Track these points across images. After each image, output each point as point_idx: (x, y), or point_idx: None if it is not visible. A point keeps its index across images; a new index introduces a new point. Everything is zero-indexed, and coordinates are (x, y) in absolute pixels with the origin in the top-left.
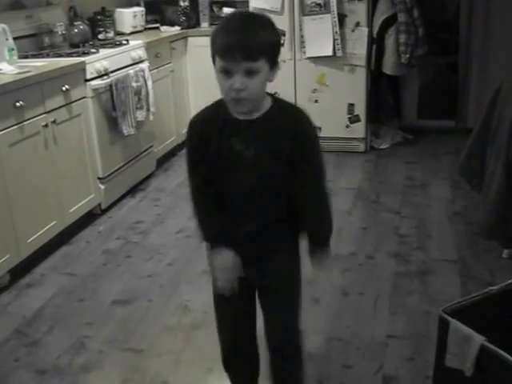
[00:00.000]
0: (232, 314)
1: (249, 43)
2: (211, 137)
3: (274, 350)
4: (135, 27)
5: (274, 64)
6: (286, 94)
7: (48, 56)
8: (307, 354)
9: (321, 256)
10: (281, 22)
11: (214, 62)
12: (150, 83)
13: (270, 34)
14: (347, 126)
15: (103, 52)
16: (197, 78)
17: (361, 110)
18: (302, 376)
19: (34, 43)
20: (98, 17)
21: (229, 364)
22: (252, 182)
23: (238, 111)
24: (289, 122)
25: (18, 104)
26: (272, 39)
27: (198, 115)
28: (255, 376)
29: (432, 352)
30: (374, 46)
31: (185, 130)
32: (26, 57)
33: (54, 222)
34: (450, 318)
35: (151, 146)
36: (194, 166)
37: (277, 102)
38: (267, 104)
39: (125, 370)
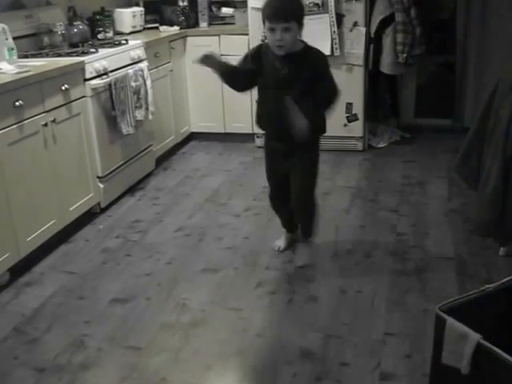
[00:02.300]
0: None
1: (284, 11)
2: (263, 57)
3: (295, 203)
4: (134, 27)
5: (300, 25)
6: None
7: (47, 56)
8: (305, 351)
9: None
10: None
11: (264, 24)
12: (149, 83)
13: (297, 5)
14: (345, 125)
15: (102, 52)
16: (196, 78)
17: (359, 108)
18: (314, 221)
19: (33, 43)
20: (98, 17)
21: (272, 198)
22: (288, 90)
23: (277, 53)
24: (310, 56)
25: (17, 103)
26: (298, 8)
27: (259, 46)
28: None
29: (429, 349)
30: (372, 46)
31: (184, 129)
32: (25, 56)
33: (53, 221)
34: (446, 316)
35: (150, 145)
36: (244, 60)
37: (306, 46)
38: (299, 47)
39: (123, 368)
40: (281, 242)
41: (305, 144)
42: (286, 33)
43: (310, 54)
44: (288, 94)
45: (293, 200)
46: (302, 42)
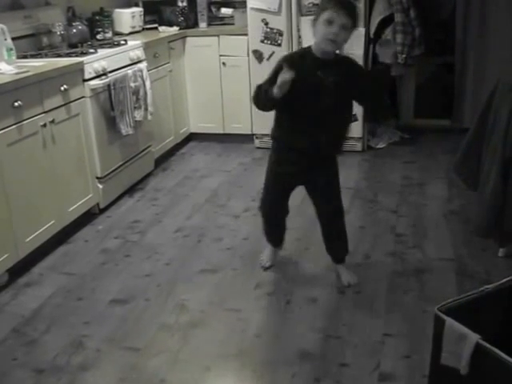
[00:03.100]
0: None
1: (350, 8)
2: (302, 66)
3: (327, 223)
4: (133, 27)
5: (352, 30)
6: None
7: (46, 56)
8: (304, 352)
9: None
10: (278, 23)
11: (315, 20)
12: (148, 83)
13: (357, 10)
14: None
15: (101, 52)
16: (195, 78)
17: (358, 109)
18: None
19: (32, 43)
20: (97, 17)
21: (272, 209)
22: (330, 101)
23: (328, 47)
24: (348, 63)
25: (16, 104)
26: (358, 14)
27: (292, 54)
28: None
29: (428, 350)
30: (371, 46)
31: (183, 130)
32: (24, 57)
33: (52, 222)
34: (445, 317)
35: (149, 146)
36: (270, 80)
37: (338, 54)
38: (334, 55)
39: (122, 369)
40: (267, 258)
41: (330, 156)
42: (343, 30)
43: (345, 60)
44: (336, 105)
45: (323, 221)
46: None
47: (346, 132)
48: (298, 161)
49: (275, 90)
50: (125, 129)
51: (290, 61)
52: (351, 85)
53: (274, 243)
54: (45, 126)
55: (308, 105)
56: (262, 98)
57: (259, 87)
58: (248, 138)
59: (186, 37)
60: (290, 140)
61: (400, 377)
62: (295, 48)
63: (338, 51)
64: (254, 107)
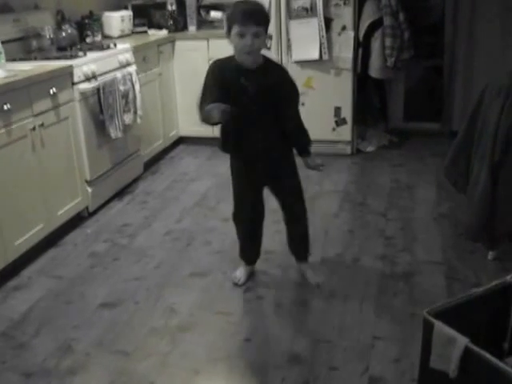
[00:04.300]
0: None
1: (255, 15)
2: (227, 75)
3: (289, 217)
4: (123, 31)
5: (266, 33)
6: None
7: (36, 59)
8: (293, 356)
9: (307, 156)
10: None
11: (229, 32)
12: (137, 86)
13: (265, 12)
14: (334, 129)
15: (91, 55)
16: (184, 82)
17: (347, 112)
18: (309, 238)
19: (21, 47)
20: (86, 20)
21: (247, 221)
22: (253, 107)
23: (247, 61)
24: (275, 70)
25: (5, 107)
26: (266, 15)
27: (218, 62)
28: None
29: (418, 353)
30: (360, 50)
31: (172, 133)
32: (13, 60)
33: (41, 225)
34: (434, 320)
35: (139, 149)
36: (209, 92)
37: (266, 59)
38: (262, 60)
39: (112, 373)
40: (241, 275)
41: (277, 157)
42: (256, 38)
43: (273, 67)
44: (263, 111)
45: (287, 215)
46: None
47: (280, 132)
48: (252, 168)
49: (217, 116)
50: (114, 132)
51: (217, 69)
52: (274, 95)
53: (249, 260)
54: (34, 129)
55: (243, 112)
56: (204, 118)
57: (200, 105)
58: None
59: (175, 40)
60: (235, 150)
61: (389, 380)
62: (283, 51)
63: (267, 58)
64: None
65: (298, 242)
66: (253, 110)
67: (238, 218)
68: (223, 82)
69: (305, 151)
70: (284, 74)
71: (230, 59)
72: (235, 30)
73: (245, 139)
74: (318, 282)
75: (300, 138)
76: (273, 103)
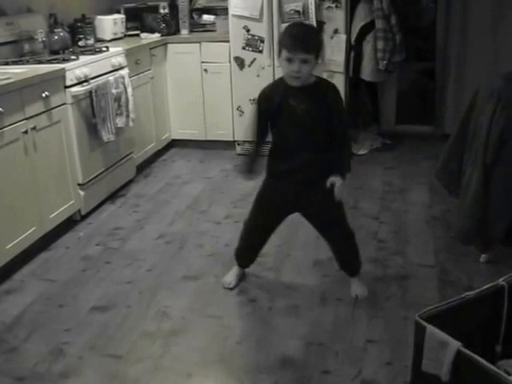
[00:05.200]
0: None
1: (304, 42)
2: (275, 100)
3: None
4: (115, 34)
5: (317, 57)
6: None
7: (28, 63)
8: (286, 359)
9: (339, 176)
10: (260, 29)
11: (279, 54)
12: (129, 90)
13: (317, 37)
14: None
15: (83, 59)
16: (176, 85)
17: None
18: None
19: (14, 50)
20: (79, 24)
21: (255, 231)
22: (304, 127)
23: (293, 84)
24: (325, 90)
25: None
26: (318, 41)
27: (266, 90)
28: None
29: (410, 357)
30: (353, 53)
31: (164, 136)
32: (6, 63)
33: (33, 228)
34: (426, 324)
35: (131, 153)
36: (258, 118)
37: (319, 79)
38: (313, 80)
39: (104, 376)
40: (231, 279)
41: (316, 182)
42: (304, 64)
43: (323, 86)
44: (310, 131)
45: (330, 246)
46: (315, 76)
47: (323, 157)
48: (282, 188)
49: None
50: (106, 135)
51: (264, 97)
52: (324, 112)
53: (243, 263)
54: (26, 132)
55: (284, 132)
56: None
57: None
58: (230, 145)
59: (167, 43)
60: (273, 166)
61: (382, 383)
62: (276, 54)
63: (316, 77)
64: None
65: (347, 263)
66: (303, 130)
67: (248, 226)
68: (270, 110)
69: (340, 170)
70: (333, 90)
71: (278, 82)
72: (283, 54)
73: (285, 160)
74: (356, 295)
75: (341, 154)
76: (323, 121)
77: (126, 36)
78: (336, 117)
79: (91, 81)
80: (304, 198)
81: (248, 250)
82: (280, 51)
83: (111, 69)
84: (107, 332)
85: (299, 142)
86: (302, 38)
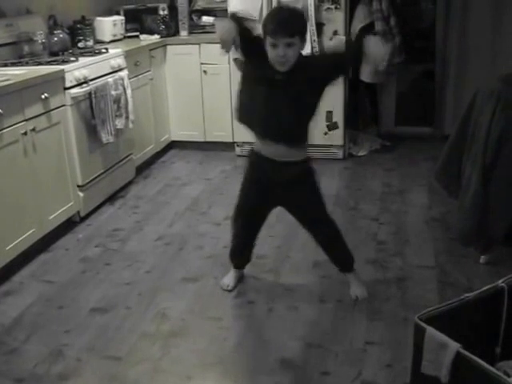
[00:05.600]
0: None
1: (287, 26)
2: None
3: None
4: (115, 36)
5: (303, 39)
6: None
7: (27, 64)
8: (285, 361)
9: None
10: (259, 30)
11: (264, 40)
12: (129, 91)
13: (301, 19)
14: (325, 133)
15: (82, 60)
16: (176, 86)
17: (339, 117)
18: (347, 246)
19: (13, 51)
20: (78, 25)
21: (245, 227)
22: (285, 101)
23: (281, 69)
24: (307, 63)
25: None
26: (302, 23)
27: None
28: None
29: (410, 358)
30: None
31: (164, 138)
32: (5, 65)
33: (32, 230)
34: (425, 326)
35: (130, 154)
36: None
37: (302, 57)
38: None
39: (103, 378)
40: (230, 280)
41: (302, 169)
42: (289, 48)
43: (306, 62)
44: (284, 94)
45: (318, 243)
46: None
47: (305, 136)
48: (267, 168)
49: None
50: (105, 137)
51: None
52: (316, 82)
53: (238, 264)
54: (25, 134)
55: (262, 90)
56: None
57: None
58: (229, 146)
59: (167, 45)
60: (249, 123)
61: None
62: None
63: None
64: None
65: (338, 258)
66: (287, 111)
67: (238, 220)
68: (260, 52)
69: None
70: (312, 59)
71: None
72: (268, 40)
73: (260, 118)
74: (356, 296)
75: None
76: (313, 88)
77: (125, 37)
78: (324, 62)
79: (90, 82)
80: (287, 188)
81: (241, 247)
82: (265, 38)
83: (111, 70)
84: (106, 334)
85: (282, 121)
86: (285, 22)
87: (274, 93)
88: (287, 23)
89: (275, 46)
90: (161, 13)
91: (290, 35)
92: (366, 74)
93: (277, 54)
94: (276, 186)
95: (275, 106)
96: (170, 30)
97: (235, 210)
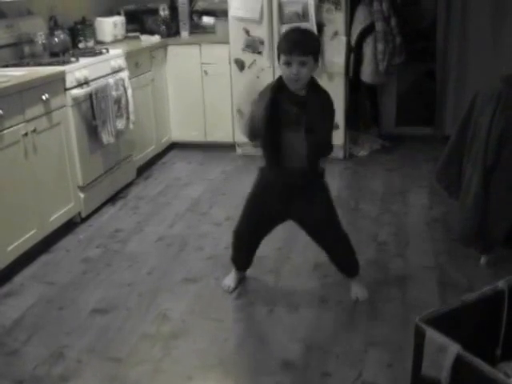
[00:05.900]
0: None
1: (301, 45)
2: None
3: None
4: (115, 36)
5: (316, 60)
6: None
7: (28, 65)
8: (286, 362)
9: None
10: (259, 31)
11: (278, 58)
12: (129, 92)
13: (315, 40)
14: None
15: (83, 61)
16: (176, 87)
17: (339, 117)
18: (355, 254)
19: (14, 52)
20: (79, 26)
21: (245, 234)
22: (298, 131)
23: (292, 88)
24: (320, 96)
25: None
26: (316, 43)
27: (278, 82)
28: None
29: (410, 359)
30: (352, 55)
31: (165, 139)
32: (6, 66)
33: (33, 231)
34: (426, 327)
35: (131, 155)
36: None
37: (314, 84)
38: (310, 84)
39: (103, 379)
40: (231, 282)
41: (315, 181)
42: (302, 67)
43: (319, 93)
44: (299, 131)
45: (326, 252)
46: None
47: (317, 158)
48: (277, 187)
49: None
50: (106, 138)
51: (272, 90)
52: (315, 119)
53: (240, 267)
54: (26, 135)
55: (280, 132)
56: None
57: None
58: (230, 147)
59: (167, 45)
60: (269, 166)
61: None
62: (276, 56)
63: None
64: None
65: (345, 268)
66: (298, 135)
67: (237, 235)
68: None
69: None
70: (327, 98)
71: (280, 83)
72: (282, 58)
73: (282, 160)
74: (356, 297)
75: (321, 149)
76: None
77: (126, 38)
78: (322, 115)
79: (91, 83)
80: (296, 202)
81: (242, 256)
82: (279, 56)
83: (111, 71)
84: (107, 335)
85: (295, 143)
86: (299, 41)
87: (291, 129)
88: (301, 42)
89: (289, 64)
90: (161, 13)
91: (304, 54)
92: (366, 75)
93: (290, 71)
94: (287, 201)
95: (291, 140)
96: (171, 30)
97: (240, 227)
